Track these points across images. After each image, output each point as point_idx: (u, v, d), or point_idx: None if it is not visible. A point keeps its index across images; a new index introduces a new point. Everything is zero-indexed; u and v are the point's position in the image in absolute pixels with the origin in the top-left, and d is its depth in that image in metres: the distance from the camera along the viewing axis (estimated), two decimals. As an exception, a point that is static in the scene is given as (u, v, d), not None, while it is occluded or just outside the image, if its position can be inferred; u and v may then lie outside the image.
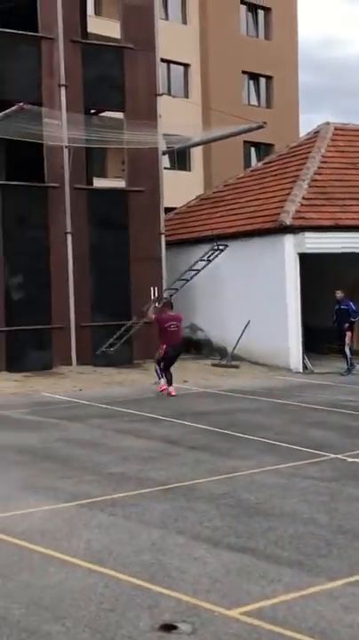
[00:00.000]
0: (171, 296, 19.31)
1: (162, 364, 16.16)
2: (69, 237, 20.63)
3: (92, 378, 18.77)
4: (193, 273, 21.42)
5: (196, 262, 21.39)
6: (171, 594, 5.63)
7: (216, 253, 21.26)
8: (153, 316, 16.94)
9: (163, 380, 16.12)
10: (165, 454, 10.45)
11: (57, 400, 15.59)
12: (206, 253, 21.40)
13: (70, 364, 20.30)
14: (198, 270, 21.35)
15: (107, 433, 12.07)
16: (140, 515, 7.58)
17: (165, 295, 20.30)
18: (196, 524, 7.29)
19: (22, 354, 19.75)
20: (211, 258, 21.26)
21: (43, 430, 12.32)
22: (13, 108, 17.00)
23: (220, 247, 21.22)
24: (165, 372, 16.09)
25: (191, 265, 21.40)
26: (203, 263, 21.38)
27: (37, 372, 19.25)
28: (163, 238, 22.09)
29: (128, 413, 13.82)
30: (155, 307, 17.94)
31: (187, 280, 21.25)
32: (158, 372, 16.32)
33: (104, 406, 14.63)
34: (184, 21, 36.53)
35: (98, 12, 32.57)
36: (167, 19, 34.68)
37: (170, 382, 15.98)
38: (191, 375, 18.94)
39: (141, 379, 18.50)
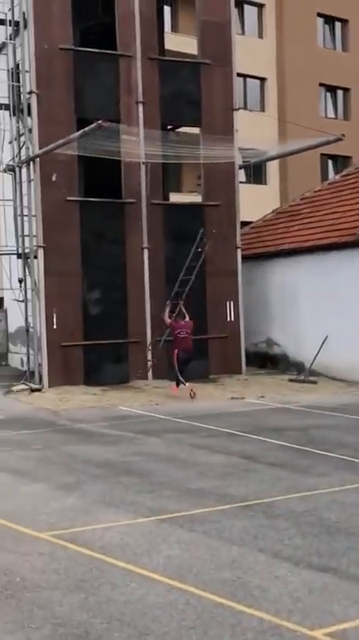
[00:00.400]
0: (179, 304, 19.12)
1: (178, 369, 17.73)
2: (146, 252, 20.83)
3: (168, 392, 18.80)
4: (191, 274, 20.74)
5: (190, 258, 20.79)
6: (253, 613, 5.57)
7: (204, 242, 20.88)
8: (168, 322, 18.28)
9: (187, 384, 17.59)
10: (244, 470, 10.37)
11: (134, 414, 15.68)
12: (195, 245, 20.78)
13: (146, 378, 20.43)
14: (197, 266, 20.72)
15: (185, 448, 12.07)
16: (220, 531, 7.53)
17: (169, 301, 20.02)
18: (277, 541, 7.20)
19: (99, 368, 19.99)
20: (200, 249, 20.70)
21: (121, 444, 12.41)
22: (92, 125, 17.23)
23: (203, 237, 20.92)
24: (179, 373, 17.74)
25: (186, 264, 20.66)
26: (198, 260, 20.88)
27: (114, 385, 19.45)
28: (239, 252, 22.04)
29: (204, 428, 13.79)
30: (170, 313, 18.56)
31: (190, 279, 20.48)
32: (180, 378, 17.72)
33: (180, 421, 14.64)
34: (260, 35, 36.61)
35: (174, 29, 32.92)
36: (243, 33, 34.85)
37: (180, 383, 17.73)
38: (268, 390, 18.82)
39: (216, 393, 18.47)
